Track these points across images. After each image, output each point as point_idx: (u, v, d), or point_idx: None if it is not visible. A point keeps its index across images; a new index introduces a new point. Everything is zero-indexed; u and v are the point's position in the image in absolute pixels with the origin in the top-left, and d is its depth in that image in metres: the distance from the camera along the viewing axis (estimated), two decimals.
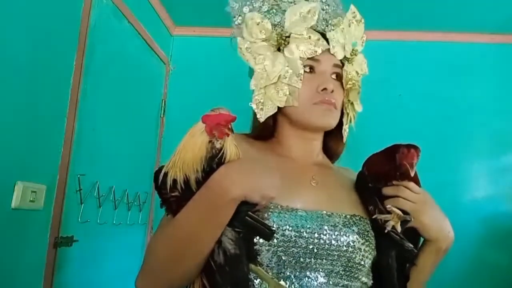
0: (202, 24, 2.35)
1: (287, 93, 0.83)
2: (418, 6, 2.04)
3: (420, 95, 2.22)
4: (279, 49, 0.86)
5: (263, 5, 0.88)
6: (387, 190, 0.80)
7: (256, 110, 0.86)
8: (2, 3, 1.11)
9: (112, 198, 1.73)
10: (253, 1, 0.90)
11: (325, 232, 0.75)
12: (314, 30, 0.85)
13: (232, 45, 0.91)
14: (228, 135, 0.66)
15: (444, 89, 2.23)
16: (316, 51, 0.83)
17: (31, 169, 1.24)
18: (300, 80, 0.83)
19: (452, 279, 1.95)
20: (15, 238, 1.19)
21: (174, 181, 0.66)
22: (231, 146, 0.68)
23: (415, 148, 0.77)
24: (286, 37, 0.85)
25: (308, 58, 0.84)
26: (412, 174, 0.77)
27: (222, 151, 0.66)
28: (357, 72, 0.90)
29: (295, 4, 0.87)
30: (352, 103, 0.88)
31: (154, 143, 2.23)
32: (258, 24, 0.86)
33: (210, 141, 0.66)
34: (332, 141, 0.94)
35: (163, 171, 0.68)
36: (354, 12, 0.90)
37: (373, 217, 0.79)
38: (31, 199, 1.22)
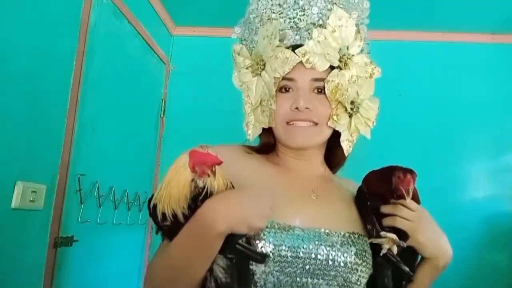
0: (202, 24, 2.35)
1: (268, 114, 0.84)
2: (418, 6, 2.04)
3: (420, 95, 2.22)
4: (261, 74, 0.86)
5: (260, 25, 0.88)
6: (385, 208, 0.80)
7: (246, 132, 0.89)
8: (2, 3, 1.11)
9: (112, 198, 1.73)
10: (250, 24, 0.90)
11: (322, 252, 0.75)
12: (287, 47, 0.83)
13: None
14: (209, 176, 0.65)
15: (444, 89, 2.23)
16: (284, 71, 0.81)
17: (31, 169, 1.24)
18: (274, 101, 0.83)
19: (452, 279, 1.95)
20: (15, 238, 1.19)
21: (163, 214, 0.67)
22: (218, 179, 0.67)
23: (411, 173, 0.76)
24: (261, 60, 0.86)
25: (283, 78, 0.82)
26: (408, 200, 0.77)
27: (205, 189, 0.66)
28: (358, 77, 0.85)
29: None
30: (358, 110, 0.84)
31: (154, 143, 2.23)
32: (239, 54, 0.88)
33: (192, 179, 0.65)
34: (333, 150, 0.91)
35: (152, 203, 0.68)
36: (338, 16, 0.83)
37: (368, 241, 0.79)
38: (31, 199, 1.22)
